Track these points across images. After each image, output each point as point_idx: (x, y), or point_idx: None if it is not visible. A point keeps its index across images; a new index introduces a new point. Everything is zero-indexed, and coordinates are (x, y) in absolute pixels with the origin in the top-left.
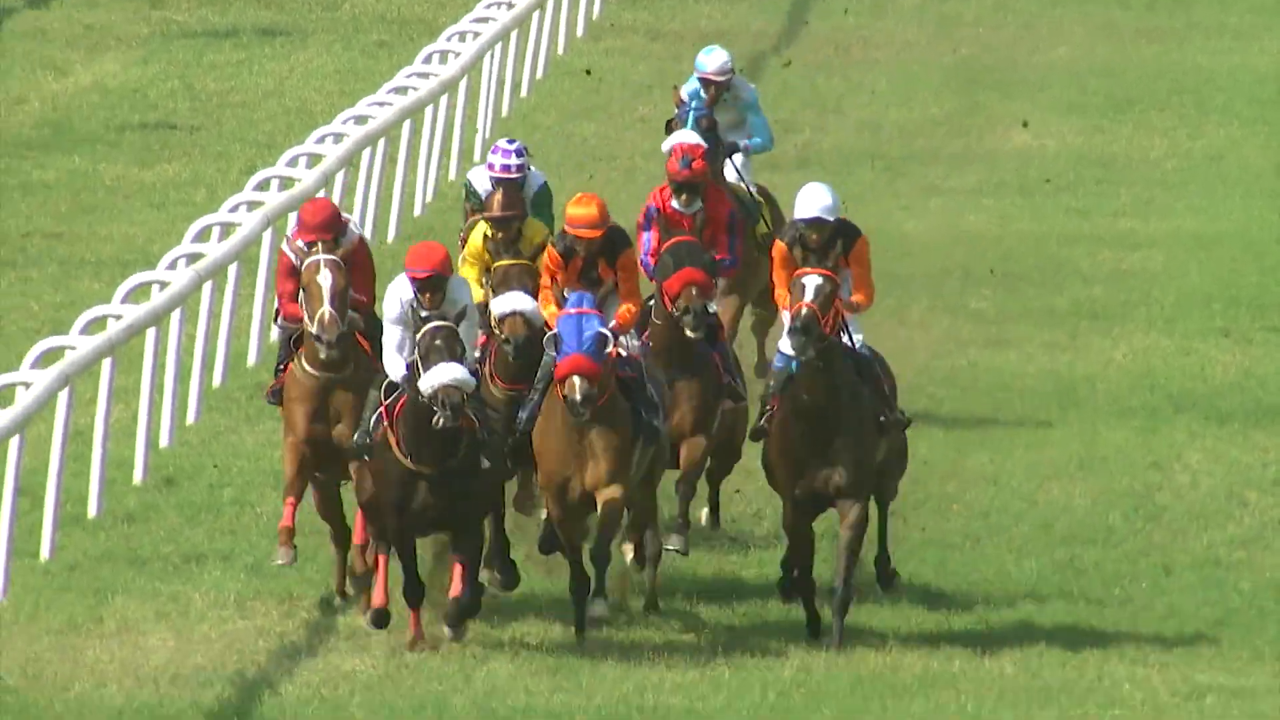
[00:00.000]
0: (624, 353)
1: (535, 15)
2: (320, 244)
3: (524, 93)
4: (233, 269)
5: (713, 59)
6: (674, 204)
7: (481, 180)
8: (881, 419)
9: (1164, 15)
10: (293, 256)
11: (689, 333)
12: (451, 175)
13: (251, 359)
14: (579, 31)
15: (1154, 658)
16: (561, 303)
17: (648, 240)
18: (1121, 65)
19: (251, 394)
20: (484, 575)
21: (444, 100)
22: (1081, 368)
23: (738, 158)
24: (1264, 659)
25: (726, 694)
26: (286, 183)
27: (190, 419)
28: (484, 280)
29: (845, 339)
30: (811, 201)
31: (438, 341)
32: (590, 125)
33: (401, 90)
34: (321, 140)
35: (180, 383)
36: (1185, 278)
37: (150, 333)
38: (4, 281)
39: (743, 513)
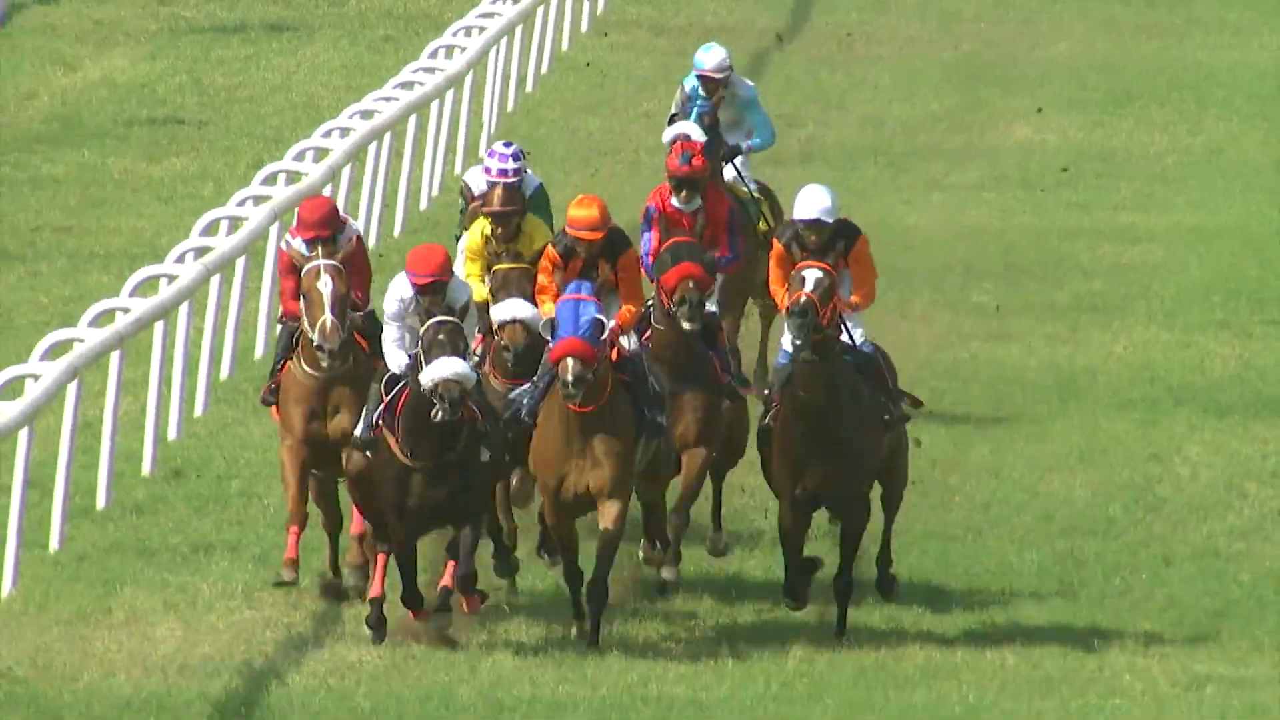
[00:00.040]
0: (626, 346)
1: (540, 10)
2: (320, 243)
3: (529, 88)
4: (240, 263)
5: (711, 56)
6: (673, 201)
7: (478, 182)
8: (886, 417)
9: (1164, 11)
10: (294, 251)
11: (684, 324)
12: (457, 170)
13: (259, 352)
14: (584, 26)
15: (1154, 648)
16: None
17: (648, 241)
18: (1122, 61)
19: (259, 386)
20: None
21: (449, 95)
22: (1082, 360)
23: (737, 158)
24: (1263, 649)
25: (730, 684)
26: (293, 177)
27: (198, 411)
28: (485, 278)
29: (845, 337)
30: (810, 203)
31: (441, 336)
32: (595, 120)
33: (407, 85)
34: (328, 135)
35: (188, 375)
36: (1185, 271)
37: (158, 326)
38: (14, 275)
39: (747, 504)
